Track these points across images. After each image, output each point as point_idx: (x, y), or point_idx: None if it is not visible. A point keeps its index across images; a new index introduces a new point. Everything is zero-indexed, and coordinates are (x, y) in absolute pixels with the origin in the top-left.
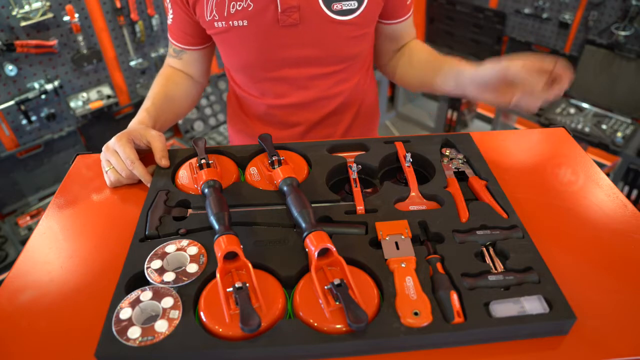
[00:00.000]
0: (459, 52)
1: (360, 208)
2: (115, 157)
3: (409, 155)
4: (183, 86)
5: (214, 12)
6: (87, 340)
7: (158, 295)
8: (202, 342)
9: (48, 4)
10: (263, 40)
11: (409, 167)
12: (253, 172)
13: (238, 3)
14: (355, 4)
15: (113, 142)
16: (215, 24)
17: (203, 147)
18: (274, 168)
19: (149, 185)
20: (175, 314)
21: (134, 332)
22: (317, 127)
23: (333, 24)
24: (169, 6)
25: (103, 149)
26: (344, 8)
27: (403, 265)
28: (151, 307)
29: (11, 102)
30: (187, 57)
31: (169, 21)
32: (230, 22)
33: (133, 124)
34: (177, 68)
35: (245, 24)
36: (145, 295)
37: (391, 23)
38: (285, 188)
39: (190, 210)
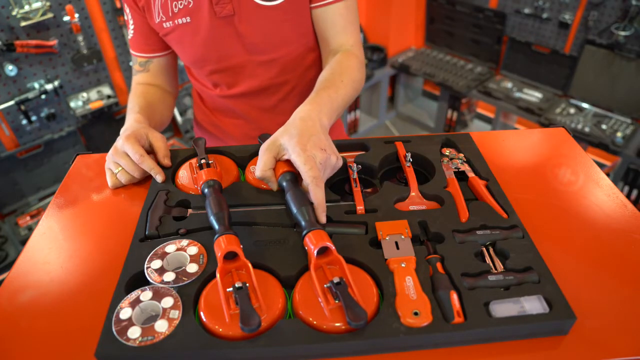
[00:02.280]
0: (459, 52)
1: (360, 208)
2: (126, 159)
3: (409, 155)
4: (158, 95)
5: (161, 13)
6: (87, 340)
7: (158, 295)
8: (202, 342)
9: (48, 4)
10: (206, 33)
11: (409, 167)
12: (253, 170)
13: (180, 2)
14: None
15: (121, 144)
16: (164, 24)
17: (203, 147)
18: None
19: (159, 178)
20: (175, 314)
21: (134, 332)
22: (271, 114)
23: (265, 11)
24: (129, 17)
25: (111, 152)
26: None
27: (403, 265)
28: (151, 307)
29: (11, 102)
30: (153, 66)
31: (130, 35)
32: (176, 21)
33: (130, 125)
34: (146, 83)
35: (188, 20)
36: (145, 295)
37: (315, 6)
38: (284, 184)
39: (190, 210)
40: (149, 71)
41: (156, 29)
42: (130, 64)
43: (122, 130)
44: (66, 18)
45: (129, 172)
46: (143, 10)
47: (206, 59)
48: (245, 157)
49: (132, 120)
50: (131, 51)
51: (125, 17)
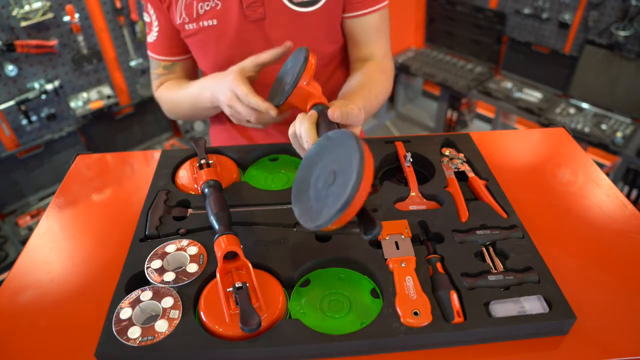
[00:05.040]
0: (459, 52)
1: None
2: (239, 104)
3: (409, 155)
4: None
5: (184, 14)
6: (87, 340)
7: (158, 295)
8: (202, 342)
9: (48, 4)
10: (233, 37)
11: (409, 167)
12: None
13: (206, 3)
14: None
15: (234, 86)
16: (186, 26)
17: (203, 147)
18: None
19: (272, 113)
20: (175, 314)
21: (134, 332)
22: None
23: (297, 17)
24: (153, 19)
25: (227, 98)
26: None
27: (403, 265)
28: (151, 307)
29: (11, 102)
30: (179, 68)
31: (152, 39)
32: (200, 23)
33: (216, 76)
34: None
35: (214, 23)
36: (146, 295)
37: (348, 16)
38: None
39: (190, 210)
40: (175, 73)
41: (178, 29)
42: (132, 64)
43: (207, 85)
44: (66, 18)
45: (245, 116)
46: (167, 9)
47: (230, 64)
48: (245, 157)
49: (210, 78)
50: (153, 55)
51: (147, 19)
